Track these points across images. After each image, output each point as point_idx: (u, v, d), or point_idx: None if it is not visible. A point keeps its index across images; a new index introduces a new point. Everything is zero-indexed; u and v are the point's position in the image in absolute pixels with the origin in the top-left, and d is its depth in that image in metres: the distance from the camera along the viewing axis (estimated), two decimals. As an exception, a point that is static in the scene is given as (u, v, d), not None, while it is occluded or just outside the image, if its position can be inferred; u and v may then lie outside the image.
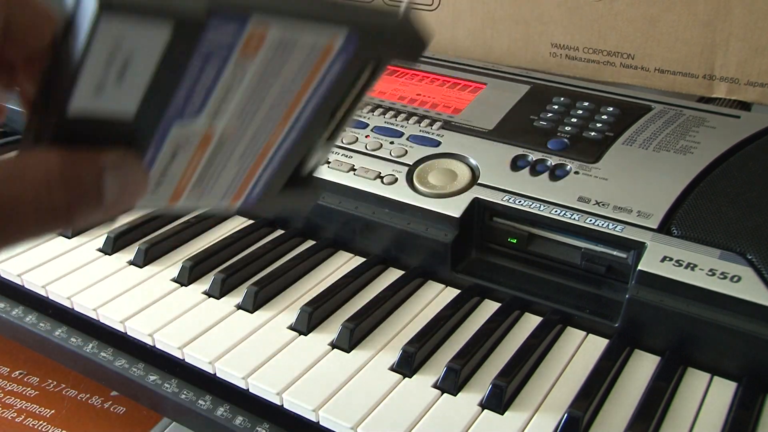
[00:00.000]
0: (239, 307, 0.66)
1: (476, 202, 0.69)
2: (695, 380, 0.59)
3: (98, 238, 0.77)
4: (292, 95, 0.33)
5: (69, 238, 0.77)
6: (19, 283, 0.72)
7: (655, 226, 0.63)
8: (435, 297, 0.69)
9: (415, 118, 0.81)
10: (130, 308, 0.66)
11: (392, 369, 0.59)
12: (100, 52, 0.26)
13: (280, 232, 0.79)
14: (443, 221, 0.69)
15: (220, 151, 0.34)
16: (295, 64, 0.32)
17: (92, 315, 0.67)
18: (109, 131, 0.29)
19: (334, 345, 0.62)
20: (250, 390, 0.58)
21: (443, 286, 0.70)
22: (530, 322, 0.65)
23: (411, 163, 0.75)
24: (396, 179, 0.73)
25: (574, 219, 0.65)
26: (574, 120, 0.77)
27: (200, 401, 0.60)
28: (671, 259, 0.60)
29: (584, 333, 0.64)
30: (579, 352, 0.62)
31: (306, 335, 0.63)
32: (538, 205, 0.67)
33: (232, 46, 0.29)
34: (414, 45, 0.35)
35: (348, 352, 0.61)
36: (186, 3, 0.26)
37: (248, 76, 0.31)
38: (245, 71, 0.31)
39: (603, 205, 0.66)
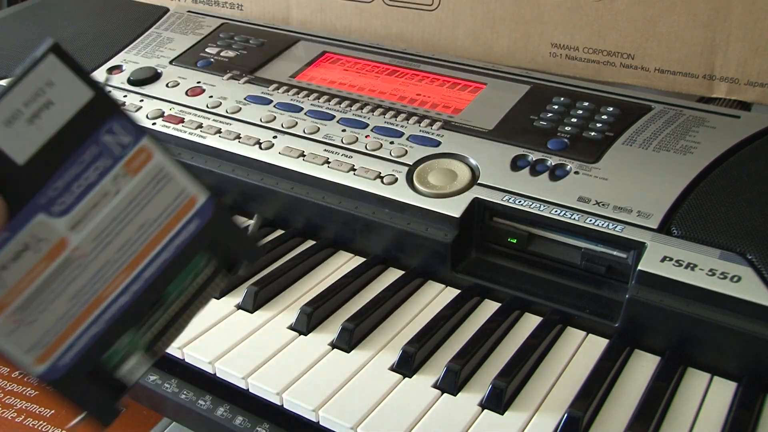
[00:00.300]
0: (239, 307, 0.66)
1: (476, 202, 0.69)
2: (695, 380, 0.59)
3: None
4: (145, 242, 0.36)
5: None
6: (19, 283, 0.72)
7: (655, 226, 0.63)
8: (435, 297, 0.69)
9: (415, 118, 0.81)
10: (130, 308, 0.66)
11: (392, 369, 0.59)
12: (30, 85, 0.31)
13: (280, 232, 0.79)
14: (443, 221, 0.69)
15: (61, 273, 0.34)
16: (160, 205, 0.36)
17: (92, 315, 0.67)
18: None
19: (334, 345, 0.62)
20: (250, 390, 0.58)
21: (443, 286, 0.70)
22: (530, 322, 0.65)
23: (411, 163, 0.75)
24: (396, 179, 0.73)
25: (574, 219, 0.65)
26: (574, 120, 0.77)
27: (200, 401, 0.60)
28: (671, 259, 0.60)
29: (584, 333, 0.64)
30: (579, 352, 0.62)
31: (306, 335, 0.63)
32: (538, 205, 0.67)
33: (122, 154, 0.34)
34: (253, 251, 0.41)
35: (348, 352, 0.61)
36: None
37: (120, 195, 0.35)
38: (119, 188, 0.34)
39: (603, 205, 0.66)
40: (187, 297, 0.39)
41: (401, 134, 0.78)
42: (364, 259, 0.73)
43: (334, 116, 0.83)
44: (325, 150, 0.78)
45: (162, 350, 0.38)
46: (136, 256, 0.36)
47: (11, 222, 0.32)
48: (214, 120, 0.85)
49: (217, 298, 0.68)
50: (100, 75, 0.97)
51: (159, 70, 0.96)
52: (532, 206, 0.67)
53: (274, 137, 0.81)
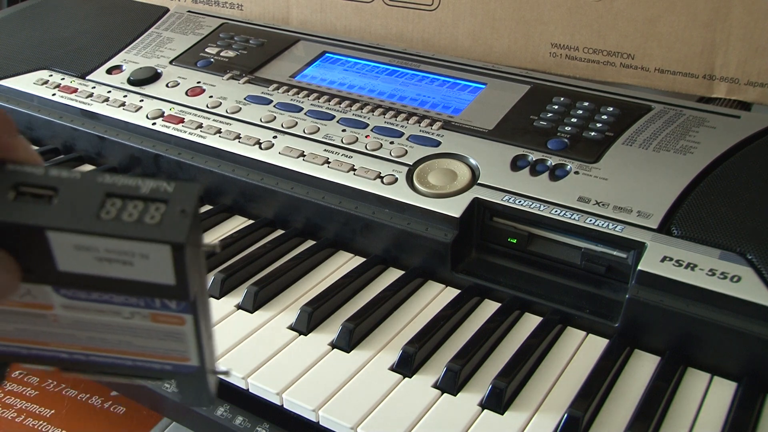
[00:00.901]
0: (239, 307, 0.66)
1: (476, 202, 0.69)
2: (695, 380, 0.59)
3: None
4: (116, 347, 0.35)
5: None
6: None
7: (655, 226, 0.63)
8: (435, 297, 0.69)
9: (415, 118, 0.81)
10: (130, 308, 0.66)
11: (392, 369, 0.59)
12: (129, 246, 0.29)
13: (280, 232, 0.79)
14: (443, 221, 0.69)
15: (24, 315, 0.33)
16: (154, 345, 0.34)
17: (92, 315, 0.67)
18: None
19: (334, 345, 0.62)
20: (250, 390, 0.58)
21: (443, 286, 0.70)
22: (530, 322, 0.65)
23: (411, 163, 0.75)
24: (396, 179, 0.73)
25: (574, 219, 0.65)
26: (574, 120, 0.77)
27: (200, 401, 0.60)
28: (671, 259, 0.60)
29: (584, 333, 0.64)
30: (579, 352, 0.62)
31: (306, 335, 0.63)
32: (538, 205, 0.67)
33: (158, 309, 0.32)
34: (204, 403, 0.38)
35: (348, 352, 0.61)
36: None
37: (127, 321, 0.33)
38: (131, 318, 0.33)
39: (603, 205, 0.66)
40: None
41: (401, 134, 0.78)
42: (364, 259, 0.73)
43: (334, 116, 0.83)
44: (325, 150, 0.78)
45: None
46: (100, 348, 0.35)
47: None
48: (214, 120, 0.85)
49: (217, 298, 0.68)
50: (99, 75, 0.97)
51: (159, 70, 0.96)
52: (532, 206, 0.67)
53: (274, 137, 0.81)
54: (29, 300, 0.33)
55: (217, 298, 0.68)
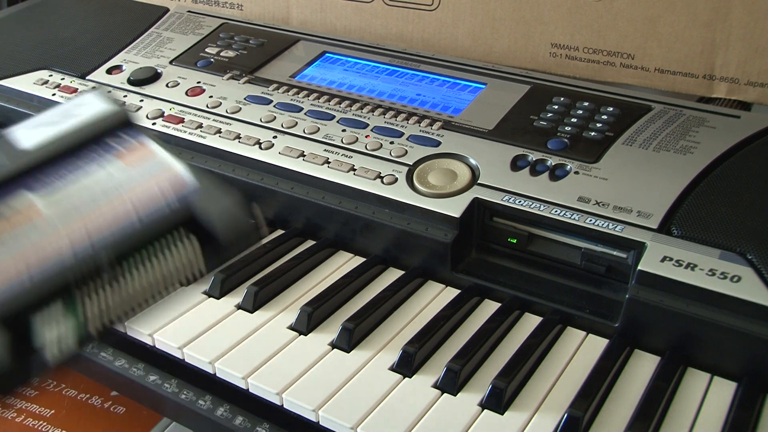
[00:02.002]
0: (239, 307, 0.66)
1: (476, 202, 0.69)
2: (695, 380, 0.59)
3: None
4: (114, 208, 0.35)
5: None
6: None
7: (655, 226, 0.63)
8: (435, 297, 0.69)
9: (415, 118, 0.81)
10: (130, 308, 0.66)
11: (392, 369, 0.59)
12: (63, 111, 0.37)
13: (280, 232, 0.79)
14: (443, 221, 0.69)
15: (19, 232, 0.34)
16: (141, 182, 0.36)
17: (92, 315, 0.67)
18: None
19: (334, 345, 0.62)
20: (250, 390, 0.58)
21: (443, 286, 0.70)
22: (530, 322, 0.65)
23: (411, 163, 0.75)
24: (396, 179, 0.73)
25: (574, 219, 0.65)
26: (574, 120, 0.77)
27: (200, 401, 0.60)
28: (671, 259, 0.60)
29: (584, 333, 0.64)
30: (579, 352, 0.62)
31: (306, 335, 0.63)
32: (538, 205, 0.67)
33: (120, 148, 0.36)
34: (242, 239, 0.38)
35: (348, 352, 0.61)
36: None
37: (102, 171, 0.35)
38: (105, 167, 0.35)
39: (603, 205, 0.66)
40: (151, 275, 0.36)
41: (401, 134, 0.78)
42: (364, 259, 0.73)
43: (334, 116, 0.83)
44: (325, 150, 0.78)
45: (101, 328, 0.34)
46: (101, 220, 0.34)
47: None
48: (214, 120, 0.85)
49: (217, 298, 0.68)
50: (99, 75, 0.97)
51: (159, 70, 0.96)
52: (532, 206, 0.67)
53: (274, 137, 0.81)
54: (15, 217, 0.34)
55: (217, 298, 0.68)
